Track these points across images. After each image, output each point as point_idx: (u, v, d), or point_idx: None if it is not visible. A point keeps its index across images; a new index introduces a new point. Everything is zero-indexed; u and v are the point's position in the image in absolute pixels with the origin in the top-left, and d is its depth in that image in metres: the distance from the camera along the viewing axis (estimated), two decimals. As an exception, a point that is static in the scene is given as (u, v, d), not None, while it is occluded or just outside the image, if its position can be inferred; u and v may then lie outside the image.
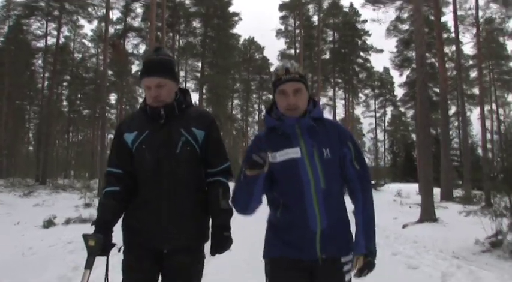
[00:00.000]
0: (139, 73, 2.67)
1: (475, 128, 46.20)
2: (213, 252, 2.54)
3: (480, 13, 29.58)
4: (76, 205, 16.85)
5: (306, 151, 2.31)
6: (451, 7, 26.71)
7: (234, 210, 2.53)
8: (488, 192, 8.81)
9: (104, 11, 33.76)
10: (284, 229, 2.34)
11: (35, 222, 12.25)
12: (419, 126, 14.31)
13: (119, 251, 2.55)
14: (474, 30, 30.15)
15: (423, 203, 12.42)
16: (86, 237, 2.41)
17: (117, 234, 2.54)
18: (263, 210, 2.49)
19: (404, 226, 11.75)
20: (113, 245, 2.50)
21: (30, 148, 58.55)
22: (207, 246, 2.60)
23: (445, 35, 33.14)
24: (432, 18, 29.76)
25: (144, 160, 2.55)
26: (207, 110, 46.27)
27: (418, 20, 13.15)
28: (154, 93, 2.52)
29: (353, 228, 2.37)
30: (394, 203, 19.95)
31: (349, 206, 2.41)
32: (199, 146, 2.60)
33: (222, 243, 2.53)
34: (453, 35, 28.52)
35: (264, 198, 2.42)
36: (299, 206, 2.28)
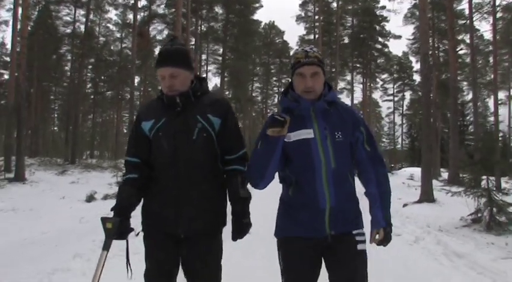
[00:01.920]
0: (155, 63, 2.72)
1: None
2: (234, 237, 2.64)
3: (498, 1, 30.25)
4: (109, 183, 18.25)
5: (319, 133, 2.44)
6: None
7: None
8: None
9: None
10: (295, 207, 2.48)
11: (77, 197, 13.89)
12: (423, 116, 15.44)
13: (137, 235, 2.67)
14: (491, 19, 30.76)
15: (423, 185, 13.76)
16: (103, 220, 2.53)
17: (135, 220, 2.68)
18: (275, 190, 2.71)
19: (404, 205, 13.06)
20: (132, 229, 2.59)
21: (55, 128, 60.76)
22: (225, 230, 2.73)
23: (462, 22, 33.89)
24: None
25: (161, 147, 2.61)
26: (227, 93, 47.94)
27: (423, 19, 14.31)
28: (168, 83, 2.58)
29: (364, 207, 2.56)
30: (402, 185, 21.13)
31: (359, 187, 2.61)
32: (215, 132, 2.65)
33: (242, 229, 2.62)
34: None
35: (277, 177, 2.58)
36: (310, 184, 2.41)
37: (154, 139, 2.64)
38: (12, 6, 30.60)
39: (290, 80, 2.59)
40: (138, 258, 2.82)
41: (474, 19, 30.43)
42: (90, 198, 13.15)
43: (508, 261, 6.15)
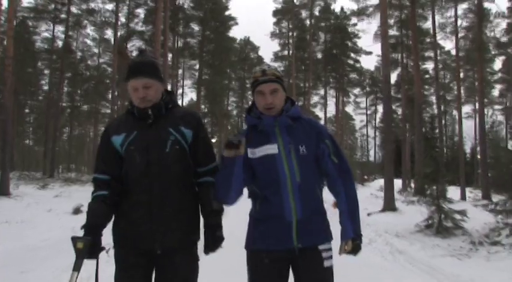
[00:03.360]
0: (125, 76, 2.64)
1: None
2: (206, 251, 2.57)
3: (459, 22, 32.15)
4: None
5: (283, 148, 2.47)
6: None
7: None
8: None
9: (108, 15, 36.54)
10: (262, 221, 2.50)
11: (63, 210, 14.65)
12: (384, 131, 16.72)
13: (107, 252, 2.58)
14: (454, 38, 32.61)
15: (385, 196, 15.04)
16: (74, 239, 2.40)
17: (106, 237, 2.56)
18: (247, 205, 2.70)
19: (368, 214, 14.26)
20: (102, 248, 2.49)
21: (28, 142, 60.54)
22: (200, 245, 2.65)
23: (428, 40, 35.77)
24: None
25: (133, 161, 2.54)
26: (203, 107, 48.90)
27: (384, 44, 15.68)
28: (141, 94, 2.52)
29: (334, 219, 2.57)
30: (371, 196, 22.42)
31: (329, 198, 2.73)
32: (188, 145, 2.61)
33: (215, 242, 2.56)
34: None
35: (246, 192, 2.60)
36: (276, 198, 2.44)
37: (126, 153, 2.57)
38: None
39: (252, 98, 2.65)
40: (107, 274, 2.78)
41: (438, 38, 32.37)
42: (77, 211, 13.90)
43: (444, 258, 7.38)
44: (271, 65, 2.67)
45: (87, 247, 2.37)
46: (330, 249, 2.51)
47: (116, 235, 2.60)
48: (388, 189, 14.98)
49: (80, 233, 2.46)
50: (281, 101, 2.55)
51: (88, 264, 2.45)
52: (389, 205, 14.60)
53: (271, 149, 2.48)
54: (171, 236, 2.50)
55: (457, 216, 10.15)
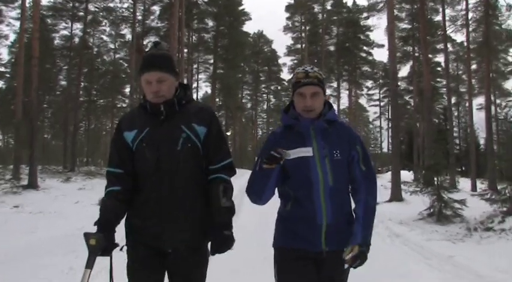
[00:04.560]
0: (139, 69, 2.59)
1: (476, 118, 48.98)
2: (213, 252, 2.48)
3: (470, 14, 32.54)
4: (113, 189, 19.94)
5: (318, 151, 2.47)
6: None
7: (235, 208, 2.58)
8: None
9: (125, 12, 37.54)
10: (293, 221, 2.49)
11: (89, 201, 15.67)
12: (392, 125, 17.46)
13: (121, 250, 2.52)
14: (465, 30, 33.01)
15: (392, 187, 15.84)
16: (87, 236, 2.36)
17: (120, 234, 2.53)
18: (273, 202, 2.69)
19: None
20: (116, 245, 2.46)
21: (47, 136, 61.89)
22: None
23: (440, 32, 36.14)
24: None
25: (144, 158, 2.50)
26: (217, 100, 49.80)
27: (391, 41, 16.40)
28: (155, 88, 2.47)
29: None
30: (381, 187, 23.09)
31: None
32: (200, 142, 2.55)
33: (222, 243, 2.46)
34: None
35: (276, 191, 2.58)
36: (308, 201, 2.43)
37: (138, 150, 2.53)
38: (15, 22, 32.89)
39: (291, 98, 2.63)
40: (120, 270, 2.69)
41: (450, 31, 32.80)
42: (102, 203, 14.91)
43: (439, 241, 8.21)
44: (314, 67, 2.61)
45: (100, 244, 2.34)
46: None
47: (128, 232, 2.58)
48: (395, 180, 15.80)
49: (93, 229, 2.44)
50: (320, 104, 2.55)
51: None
52: (395, 196, 15.43)
53: (306, 151, 2.47)
54: (180, 235, 2.46)
55: (457, 205, 10.94)
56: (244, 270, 5.41)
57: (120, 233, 2.53)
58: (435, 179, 11.46)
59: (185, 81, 38.61)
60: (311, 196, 2.43)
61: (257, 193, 2.56)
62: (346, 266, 2.39)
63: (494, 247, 7.69)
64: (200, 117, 2.56)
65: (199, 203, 2.53)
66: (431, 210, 11.28)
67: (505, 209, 10.12)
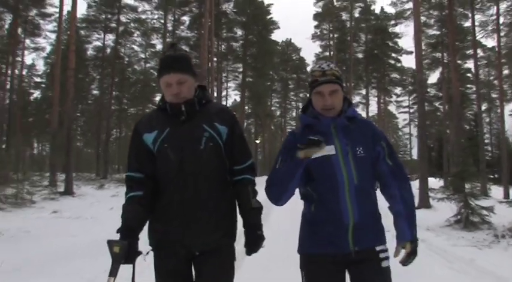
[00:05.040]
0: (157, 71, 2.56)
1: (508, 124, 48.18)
2: (249, 252, 2.51)
3: (501, 19, 32.27)
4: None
5: (341, 149, 2.39)
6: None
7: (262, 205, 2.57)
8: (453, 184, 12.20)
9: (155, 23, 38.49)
10: (318, 224, 2.42)
11: (123, 207, 16.26)
12: (419, 132, 17.56)
13: (147, 254, 2.50)
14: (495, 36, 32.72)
15: (420, 193, 15.91)
16: (110, 243, 2.32)
17: (143, 241, 2.47)
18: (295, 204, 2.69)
19: (403, 211, 15.18)
20: (139, 252, 2.41)
21: (79, 144, 63.26)
22: (236, 245, 2.60)
23: (470, 38, 35.87)
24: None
25: (167, 159, 2.46)
26: (247, 108, 50.23)
27: (418, 51, 16.53)
28: (175, 90, 2.45)
29: (388, 222, 2.47)
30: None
31: (382, 201, 2.53)
32: (223, 141, 2.53)
33: (257, 242, 2.50)
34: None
35: (297, 192, 2.51)
36: (333, 200, 2.36)
37: (160, 151, 2.49)
38: (51, 35, 34.14)
39: (309, 97, 2.58)
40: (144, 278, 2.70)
41: (480, 36, 32.56)
42: (135, 209, 15.43)
43: (465, 247, 8.36)
44: (330, 64, 2.54)
45: (123, 251, 2.29)
46: (387, 250, 2.44)
47: (152, 238, 2.53)
48: (423, 188, 15.89)
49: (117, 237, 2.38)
50: (340, 102, 2.49)
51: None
52: (423, 202, 15.49)
53: (329, 150, 2.39)
54: (206, 237, 2.43)
55: (484, 212, 11.01)
56: (273, 265, 5.73)
57: (143, 239, 2.48)
58: (465, 185, 11.53)
59: (215, 90, 39.45)
60: (336, 196, 2.36)
61: (278, 193, 2.49)
62: (388, 262, 2.38)
63: (521, 253, 7.81)
64: (221, 117, 2.54)
65: (223, 203, 2.52)
66: (459, 217, 11.36)
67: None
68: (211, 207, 2.44)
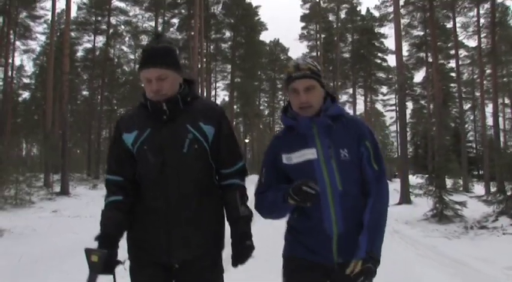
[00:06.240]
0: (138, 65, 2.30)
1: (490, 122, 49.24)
2: (235, 263, 2.25)
3: (482, 21, 33.27)
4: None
5: (322, 152, 2.19)
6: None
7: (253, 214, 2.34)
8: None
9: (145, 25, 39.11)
10: (301, 232, 2.27)
11: (118, 206, 16.94)
12: (400, 133, 18.48)
13: (123, 263, 2.24)
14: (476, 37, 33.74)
15: (401, 190, 16.86)
16: (88, 252, 2.12)
17: (122, 249, 2.30)
18: None
19: (386, 207, 16.12)
20: (119, 262, 2.20)
21: (69, 145, 63.13)
22: (225, 255, 2.38)
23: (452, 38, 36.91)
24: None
25: (147, 163, 2.24)
26: (235, 107, 51.01)
27: (398, 55, 17.44)
28: (155, 87, 2.18)
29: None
30: (393, 191, 24.00)
31: None
32: (208, 143, 2.28)
33: (244, 253, 2.24)
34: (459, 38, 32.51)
35: None
36: (315, 208, 2.15)
37: (139, 154, 2.27)
38: (41, 36, 34.58)
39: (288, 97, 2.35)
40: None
41: (462, 37, 33.63)
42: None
43: (436, 238, 9.26)
44: (306, 57, 2.38)
45: (102, 260, 2.10)
46: None
47: (130, 246, 2.34)
48: (403, 185, 16.83)
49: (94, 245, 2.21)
50: (318, 99, 2.25)
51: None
52: (404, 198, 16.45)
53: (309, 154, 2.20)
54: (190, 247, 2.22)
55: (457, 206, 11.93)
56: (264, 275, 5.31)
57: (123, 246, 2.33)
58: (445, 182, 12.47)
59: (205, 91, 40.10)
60: (318, 204, 2.13)
61: (267, 216, 2.38)
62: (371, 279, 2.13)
63: (484, 243, 8.68)
64: (208, 116, 2.29)
65: (210, 210, 2.30)
66: (434, 211, 12.26)
67: (500, 209, 11.08)
68: (196, 214, 2.24)
